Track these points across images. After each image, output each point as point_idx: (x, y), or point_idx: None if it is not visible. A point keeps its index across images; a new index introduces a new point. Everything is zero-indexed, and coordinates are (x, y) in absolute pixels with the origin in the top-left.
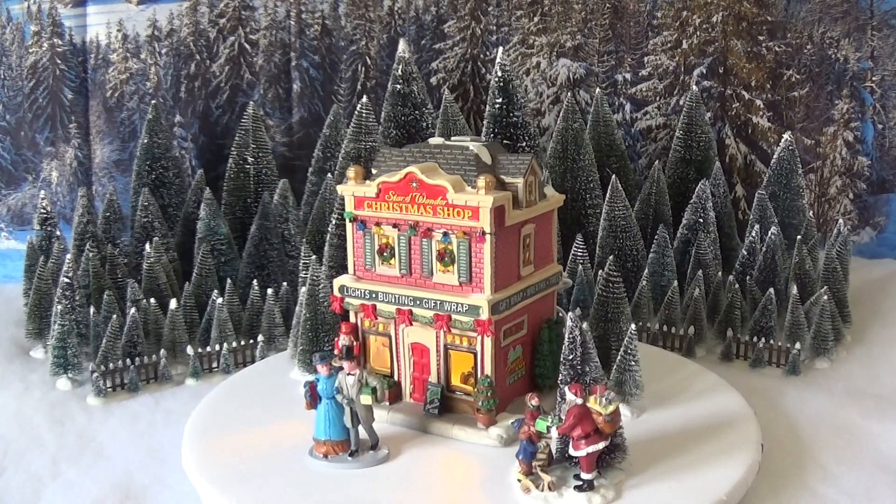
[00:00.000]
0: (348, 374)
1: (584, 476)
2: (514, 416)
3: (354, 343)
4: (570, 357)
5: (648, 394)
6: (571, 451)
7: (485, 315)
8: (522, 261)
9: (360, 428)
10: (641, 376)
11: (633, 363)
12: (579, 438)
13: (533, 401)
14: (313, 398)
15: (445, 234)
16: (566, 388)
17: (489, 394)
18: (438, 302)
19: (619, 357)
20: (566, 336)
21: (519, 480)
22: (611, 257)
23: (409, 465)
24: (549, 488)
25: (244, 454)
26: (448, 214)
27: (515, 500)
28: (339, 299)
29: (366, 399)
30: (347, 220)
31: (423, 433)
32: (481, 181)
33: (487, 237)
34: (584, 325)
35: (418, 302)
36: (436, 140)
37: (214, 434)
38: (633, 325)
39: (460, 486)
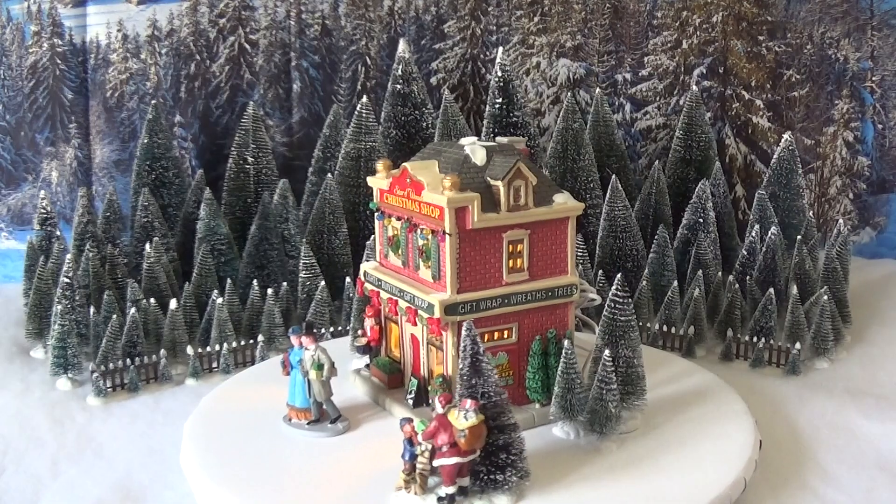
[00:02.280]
0: (305, 348)
1: (444, 489)
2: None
3: (374, 326)
4: (462, 367)
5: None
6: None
7: (436, 314)
8: (507, 267)
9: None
10: (617, 406)
11: (605, 392)
12: (438, 449)
13: (440, 402)
14: (285, 366)
15: (422, 231)
16: (435, 396)
17: (440, 392)
18: (412, 296)
19: (593, 386)
20: (460, 345)
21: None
22: (619, 275)
23: (351, 442)
24: (416, 493)
25: (242, 453)
26: (426, 212)
27: (386, 493)
28: (363, 283)
29: (311, 374)
30: (374, 210)
31: (396, 419)
32: (446, 181)
33: (447, 237)
34: (566, 343)
35: (401, 293)
36: (468, 139)
37: (213, 434)
38: (607, 351)
39: (369, 468)
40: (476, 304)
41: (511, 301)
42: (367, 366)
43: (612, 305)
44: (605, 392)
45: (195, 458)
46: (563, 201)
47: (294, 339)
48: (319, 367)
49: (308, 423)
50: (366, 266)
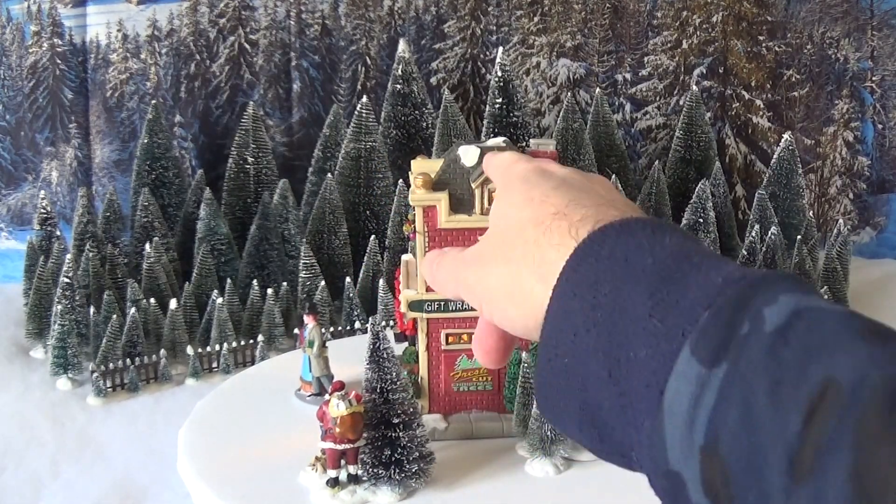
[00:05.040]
0: (306, 325)
1: (329, 471)
2: (463, 423)
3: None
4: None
5: None
6: None
7: (402, 308)
8: None
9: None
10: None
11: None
12: (325, 432)
13: (332, 387)
14: (300, 341)
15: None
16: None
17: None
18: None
19: (517, 391)
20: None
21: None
22: None
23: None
24: (318, 471)
25: (239, 457)
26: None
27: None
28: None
29: (306, 350)
30: None
31: None
32: (418, 180)
33: (416, 235)
34: (524, 355)
35: None
36: (496, 140)
37: (210, 436)
38: (524, 353)
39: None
40: (444, 304)
41: None
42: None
43: None
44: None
45: (191, 460)
46: None
47: (306, 317)
48: (311, 343)
49: (309, 396)
50: (405, 257)
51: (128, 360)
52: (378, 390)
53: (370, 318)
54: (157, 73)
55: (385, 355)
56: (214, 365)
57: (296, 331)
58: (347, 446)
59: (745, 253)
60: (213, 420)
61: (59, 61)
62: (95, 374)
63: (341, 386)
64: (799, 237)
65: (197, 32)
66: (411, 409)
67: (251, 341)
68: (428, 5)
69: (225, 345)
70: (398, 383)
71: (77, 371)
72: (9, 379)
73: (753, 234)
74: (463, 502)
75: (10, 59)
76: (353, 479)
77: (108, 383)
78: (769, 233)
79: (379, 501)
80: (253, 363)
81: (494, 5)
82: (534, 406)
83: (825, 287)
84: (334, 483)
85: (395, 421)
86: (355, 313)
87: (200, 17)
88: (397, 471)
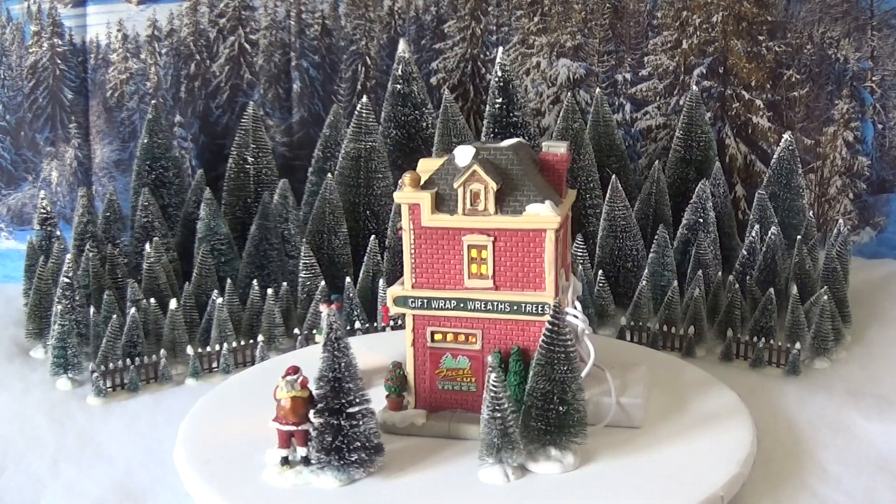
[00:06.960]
0: (322, 312)
1: (279, 450)
2: (442, 421)
3: None
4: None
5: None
6: None
7: (387, 303)
8: (469, 272)
9: None
10: (503, 438)
11: (490, 419)
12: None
13: (287, 371)
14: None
15: None
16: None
17: (392, 379)
18: None
19: (483, 409)
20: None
21: None
22: (557, 298)
23: None
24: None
25: (237, 454)
26: None
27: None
28: None
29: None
30: None
31: None
32: (406, 178)
33: (402, 232)
34: (489, 359)
35: None
36: (511, 141)
37: (209, 435)
38: (493, 375)
39: None
40: (427, 302)
41: (468, 307)
42: None
43: (551, 335)
44: (490, 419)
45: (189, 460)
46: (535, 212)
47: (322, 305)
48: (320, 331)
49: None
50: None
51: (128, 360)
52: (328, 379)
53: (325, 310)
54: (157, 73)
55: (339, 346)
56: (214, 365)
57: (295, 331)
58: (292, 428)
59: (745, 253)
60: (213, 420)
61: (59, 61)
62: (95, 374)
63: (295, 370)
64: (799, 237)
65: (197, 32)
66: (359, 400)
67: (251, 341)
68: (428, 5)
69: (225, 345)
70: (349, 374)
71: (77, 371)
72: (9, 379)
73: (753, 234)
74: (398, 496)
75: (10, 59)
76: (305, 461)
77: (108, 383)
78: (769, 233)
79: (321, 484)
80: (253, 363)
81: (494, 5)
82: (483, 411)
83: (825, 287)
84: (284, 462)
85: (342, 410)
86: (355, 313)
87: (200, 17)
88: (337, 458)
